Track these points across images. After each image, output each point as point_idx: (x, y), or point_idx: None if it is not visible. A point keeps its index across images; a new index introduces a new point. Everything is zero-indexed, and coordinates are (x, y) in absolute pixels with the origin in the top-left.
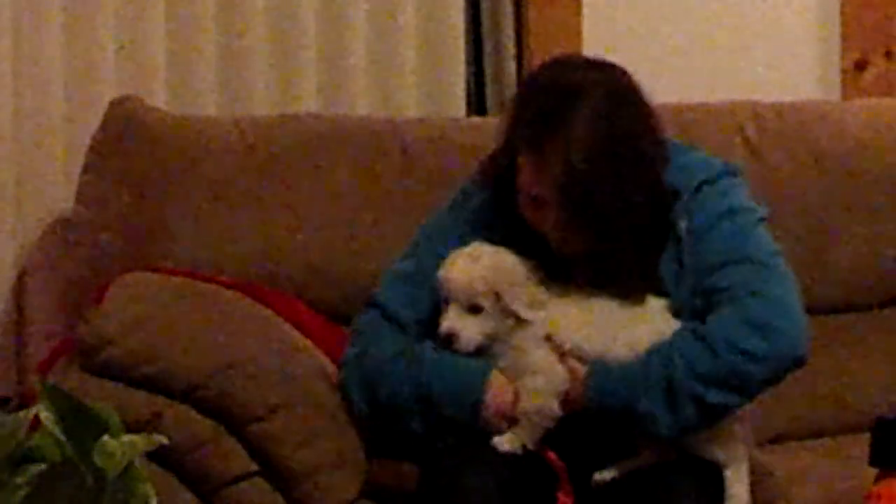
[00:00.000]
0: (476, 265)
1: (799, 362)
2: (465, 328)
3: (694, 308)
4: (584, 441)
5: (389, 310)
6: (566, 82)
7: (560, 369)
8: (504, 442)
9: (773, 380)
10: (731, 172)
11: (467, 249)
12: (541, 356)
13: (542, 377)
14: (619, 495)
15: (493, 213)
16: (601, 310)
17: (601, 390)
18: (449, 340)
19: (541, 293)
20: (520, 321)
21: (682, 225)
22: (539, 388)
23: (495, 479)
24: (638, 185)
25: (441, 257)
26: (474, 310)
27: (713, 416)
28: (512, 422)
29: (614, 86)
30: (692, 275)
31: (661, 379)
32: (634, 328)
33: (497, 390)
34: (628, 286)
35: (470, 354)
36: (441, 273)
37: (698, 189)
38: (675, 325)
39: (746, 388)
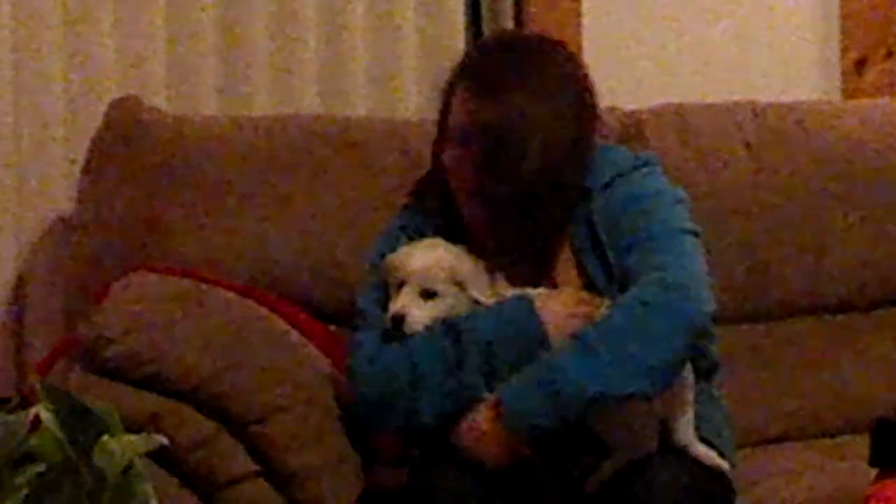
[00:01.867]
0: (436, 252)
1: (694, 324)
2: (417, 310)
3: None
4: (564, 442)
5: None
6: (527, 38)
7: None
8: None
9: (675, 343)
10: (645, 163)
11: (424, 241)
12: None
13: None
14: (603, 493)
15: (421, 218)
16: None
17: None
18: (398, 321)
19: (500, 282)
20: (468, 307)
21: (597, 218)
22: None
23: (474, 478)
24: (572, 144)
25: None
26: (428, 294)
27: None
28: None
29: (575, 58)
30: (609, 260)
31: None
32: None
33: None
34: (531, 262)
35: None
36: (395, 258)
37: (609, 184)
38: None
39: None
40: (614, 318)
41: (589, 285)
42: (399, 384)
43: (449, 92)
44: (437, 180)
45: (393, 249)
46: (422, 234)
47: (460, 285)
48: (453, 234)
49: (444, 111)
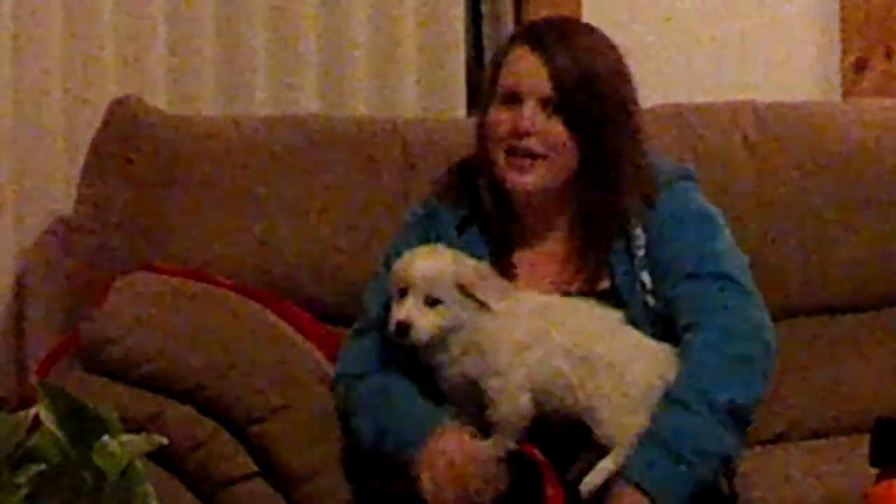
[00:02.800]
0: (440, 258)
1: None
2: (422, 318)
3: (657, 312)
4: (561, 435)
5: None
6: (571, 18)
7: (523, 368)
8: (488, 448)
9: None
10: (686, 176)
11: (427, 247)
12: (502, 356)
13: (504, 378)
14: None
15: (442, 212)
16: (583, 309)
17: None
18: (402, 331)
19: (507, 284)
20: (477, 320)
21: (637, 227)
22: (505, 390)
23: None
24: (624, 118)
25: None
26: (433, 302)
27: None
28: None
29: (614, 44)
30: (653, 277)
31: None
32: (617, 328)
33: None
34: (583, 245)
35: (423, 348)
36: (399, 265)
37: (650, 196)
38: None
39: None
40: (704, 371)
41: (611, 292)
42: (362, 415)
43: (498, 63)
44: (466, 172)
45: (410, 247)
46: (438, 233)
47: (466, 291)
48: (479, 224)
49: (493, 82)
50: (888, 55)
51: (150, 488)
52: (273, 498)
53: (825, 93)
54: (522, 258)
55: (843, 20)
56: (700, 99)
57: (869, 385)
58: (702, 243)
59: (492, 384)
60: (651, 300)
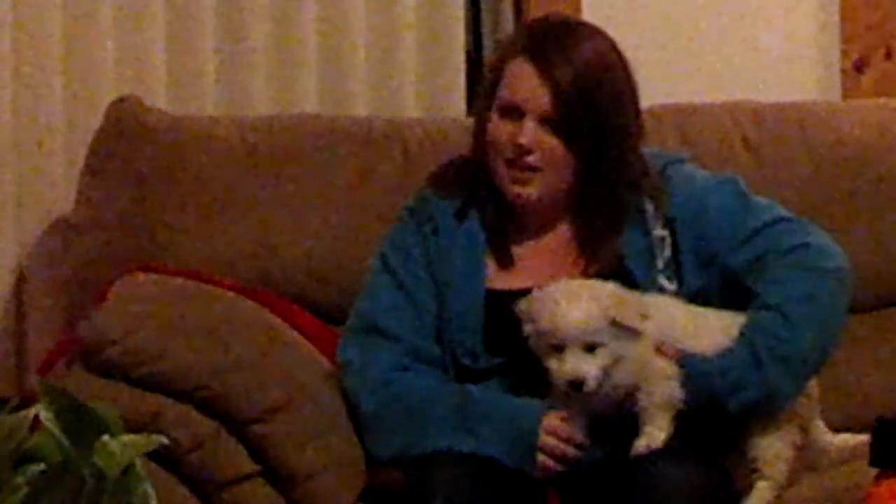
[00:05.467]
0: (585, 300)
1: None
2: (591, 369)
3: (712, 289)
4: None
5: (406, 342)
6: (571, 20)
7: (673, 369)
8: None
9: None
10: (682, 160)
11: (557, 289)
12: (658, 365)
13: (665, 383)
14: (610, 491)
15: (462, 205)
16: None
17: (698, 391)
18: (577, 386)
19: (635, 295)
20: (628, 345)
21: (650, 206)
22: (659, 379)
23: (472, 478)
24: (625, 128)
25: (420, 278)
26: (591, 348)
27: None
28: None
29: (614, 43)
30: (699, 257)
31: (752, 362)
32: (719, 323)
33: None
34: (587, 232)
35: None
36: (549, 319)
37: (662, 171)
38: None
39: (827, 323)
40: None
41: (620, 272)
42: (392, 419)
43: (498, 70)
44: (463, 167)
45: (410, 243)
46: (434, 224)
47: (617, 324)
48: (477, 211)
49: (492, 89)
50: (888, 55)
51: (150, 488)
52: (273, 498)
53: (825, 93)
54: (522, 246)
55: (843, 20)
56: (700, 99)
57: (869, 385)
58: (737, 205)
59: (646, 377)
60: (665, 282)
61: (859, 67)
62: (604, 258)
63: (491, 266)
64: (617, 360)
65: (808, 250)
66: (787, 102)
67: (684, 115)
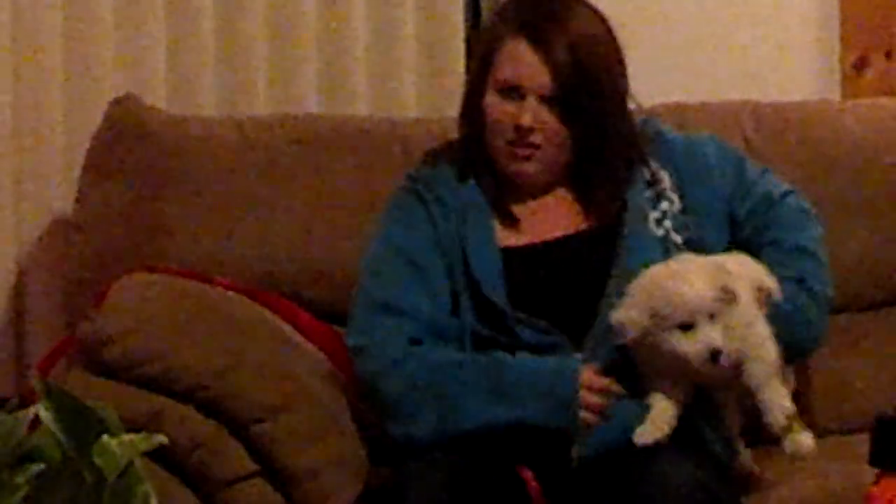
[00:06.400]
0: (694, 273)
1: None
2: (719, 337)
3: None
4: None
5: (422, 315)
6: None
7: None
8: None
9: None
10: (654, 118)
11: (673, 266)
12: (762, 326)
13: (769, 344)
14: (600, 477)
15: (458, 174)
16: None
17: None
18: (716, 358)
19: (724, 266)
20: (730, 305)
21: (654, 164)
22: (774, 358)
23: (446, 475)
24: (620, 97)
25: (430, 253)
26: (713, 318)
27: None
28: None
29: (597, 9)
30: (708, 206)
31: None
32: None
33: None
34: (587, 189)
35: None
36: (674, 298)
37: (659, 134)
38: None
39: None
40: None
41: (620, 225)
42: (421, 395)
43: (492, 48)
44: (456, 142)
45: (415, 218)
46: (435, 193)
47: (729, 293)
48: (475, 177)
49: (485, 66)
50: (888, 55)
51: (150, 488)
52: (273, 498)
53: (825, 93)
54: (522, 206)
55: (843, 20)
56: (700, 99)
57: (869, 385)
58: (731, 156)
59: (751, 340)
60: (662, 231)
61: (859, 67)
62: (604, 212)
63: (496, 226)
64: (726, 328)
65: (795, 194)
66: (786, 102)
67: (684, 114)
